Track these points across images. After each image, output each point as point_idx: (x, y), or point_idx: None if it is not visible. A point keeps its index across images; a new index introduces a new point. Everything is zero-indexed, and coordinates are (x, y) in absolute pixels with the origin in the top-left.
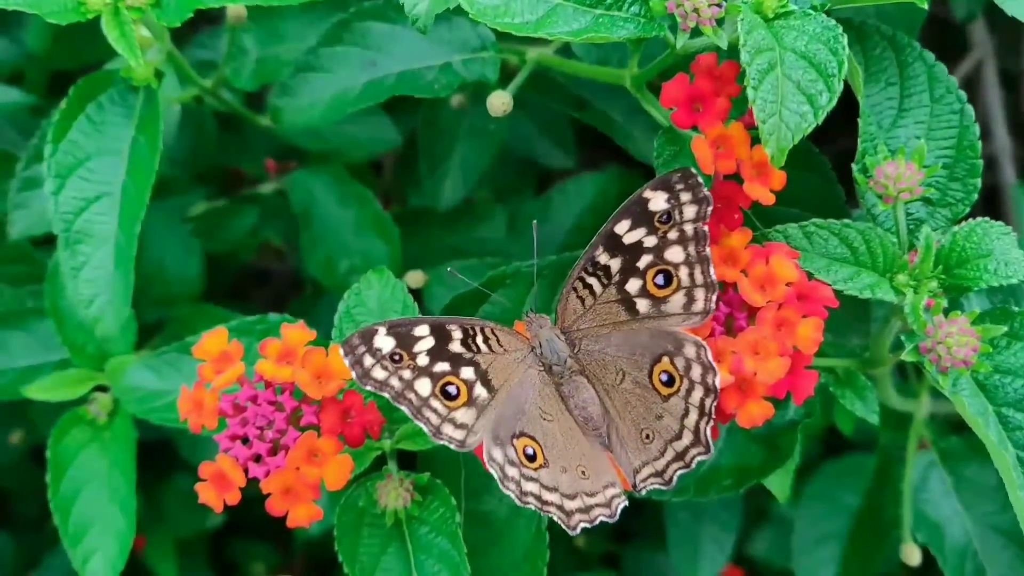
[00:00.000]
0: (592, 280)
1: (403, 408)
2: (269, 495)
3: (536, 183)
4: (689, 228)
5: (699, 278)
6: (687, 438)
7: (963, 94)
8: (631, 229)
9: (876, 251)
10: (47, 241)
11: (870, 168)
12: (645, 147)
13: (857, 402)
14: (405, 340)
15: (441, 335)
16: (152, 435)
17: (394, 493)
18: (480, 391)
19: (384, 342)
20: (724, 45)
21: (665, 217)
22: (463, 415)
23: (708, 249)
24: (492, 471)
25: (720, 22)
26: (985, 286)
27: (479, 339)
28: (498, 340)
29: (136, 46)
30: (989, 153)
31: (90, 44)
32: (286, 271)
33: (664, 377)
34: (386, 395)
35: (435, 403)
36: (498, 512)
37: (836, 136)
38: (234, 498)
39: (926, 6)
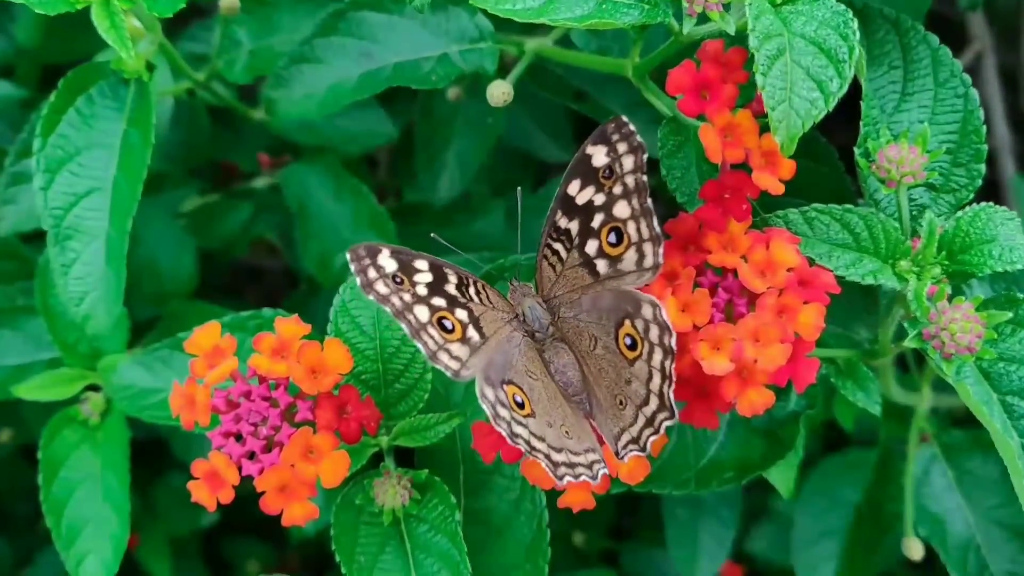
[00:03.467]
0: (558, 245)
1: (403, 325)
2: (263, 493)
3: (534, 177)
4: (630, 180)
5: (645, 232)
6: (653, 403)
7: (967, 78)
8: (582, 189)
9: (878, 237)
10: (37, 237)
11: (872, 152)
12: (647, 140)
13: (859, 392)
14: (407, 267)
15: (439, 275)
16: (145, 433)
17: (392, 491)
18: (473, 333)
19: (388, 262)
20: (731, 31)
21: (608, 172)
22: (457, 349)
23: (649, 201)
24: (484, 408)
25: (727, 7)
26: (989, 272)
27: (472, 289)
28: (488, 296)
29: (127, 37)
30: (989, 147)
31: (82, 37)
32: (279, 268)
33: (628, 341)
34: (387, 309)
35: (432, 331)
36: (498, 509)
37: (834, 130)
38: (227, 496)
39: None
